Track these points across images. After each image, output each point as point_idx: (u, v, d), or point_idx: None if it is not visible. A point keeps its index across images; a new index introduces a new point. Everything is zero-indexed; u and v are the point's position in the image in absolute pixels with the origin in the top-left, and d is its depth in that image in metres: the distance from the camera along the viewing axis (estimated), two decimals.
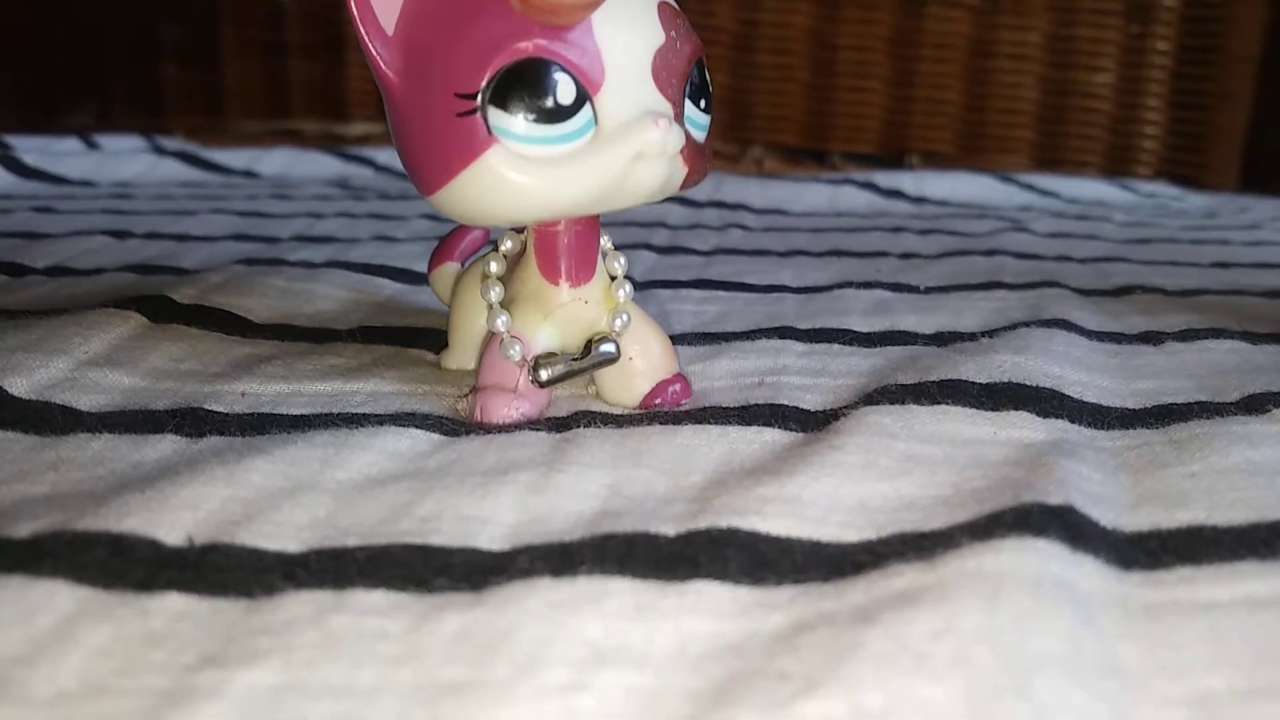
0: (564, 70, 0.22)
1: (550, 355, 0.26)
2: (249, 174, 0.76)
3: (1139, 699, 0.15)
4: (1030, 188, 0.77)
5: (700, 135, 0.24)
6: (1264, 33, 0.82)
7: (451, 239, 0.33)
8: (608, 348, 0.26)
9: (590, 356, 0.26)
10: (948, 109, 0.89)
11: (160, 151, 0.79)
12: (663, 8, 0.23)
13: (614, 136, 0.22)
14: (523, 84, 0.21)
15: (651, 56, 0.23)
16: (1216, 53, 0.84)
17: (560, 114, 0.22)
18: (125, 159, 0.76)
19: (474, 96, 0.21)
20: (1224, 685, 0.16)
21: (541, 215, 0.23)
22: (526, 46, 0.21)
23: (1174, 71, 0.86)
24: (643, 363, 0.26)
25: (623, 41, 0.22)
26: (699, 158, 0.24)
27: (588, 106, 0.22)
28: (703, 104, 0.24)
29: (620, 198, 0.23)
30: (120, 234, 0.50)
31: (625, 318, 0.26)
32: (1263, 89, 0.82)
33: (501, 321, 0.25)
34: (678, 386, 0.27)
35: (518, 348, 0.25)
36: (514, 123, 0.22)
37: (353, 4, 0.22)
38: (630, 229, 0.54)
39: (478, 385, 0.26)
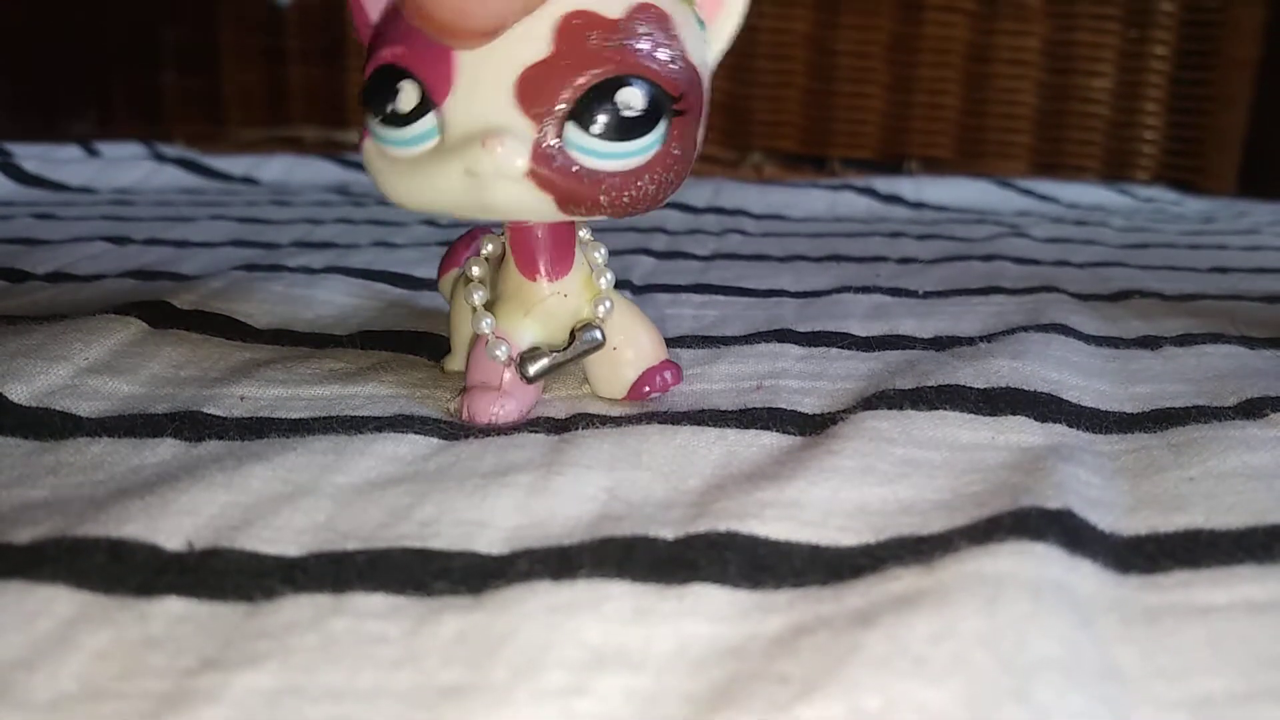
0: (411, 78, 0.22)
1: (534, 350, 0.26)
2: (248, 180, 0.76)
3: (1137, 702, 0.15)
4: (1029, 193, 0.77)
5: (596, 162, 0.22)
6: (1262, 36, 0.82)
7: (458, 246, 0.33)
8: (592, 334, 0.26)
9: (575, 345, 0.26)
10: (946, 114, 0.89)
11: (160, 158, 0.79)
12: (568, 25, 0.22)
13: (450, 149, 0.22)
14: (376, 88, 0.23)
15: (520, 72, 0.22)
16: (1215, 57, 0.84)
17: (402, 119, 0.23)
18: (125, 166, 0.76)
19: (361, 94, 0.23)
20: (1222, 688, 0.16)
21: (411, 208, 0.24)
22: (386, 54, 0.23)
23: (1172, 76, 0.86)
24: (631, 352, 0.27)
25: (487, 51, 0.22)
26: (578, 186, 0.22)
27: (431, 115, 0.22)
28: (597, 129, 0.22)
29: (478, 209, 0.23)
30: (120, 240, 0.50)
31: (608, 304, 0.26)
32: (1261, 93, 0.83)
33: (486, 324, 0.25)
34: (668, 373, 0.27)
35: (503, 348, 0.25)
36: (372, 121, 0.23)
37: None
38: (629, 234, 0.54)
39: (465, 386, 0.26)
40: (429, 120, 0.22)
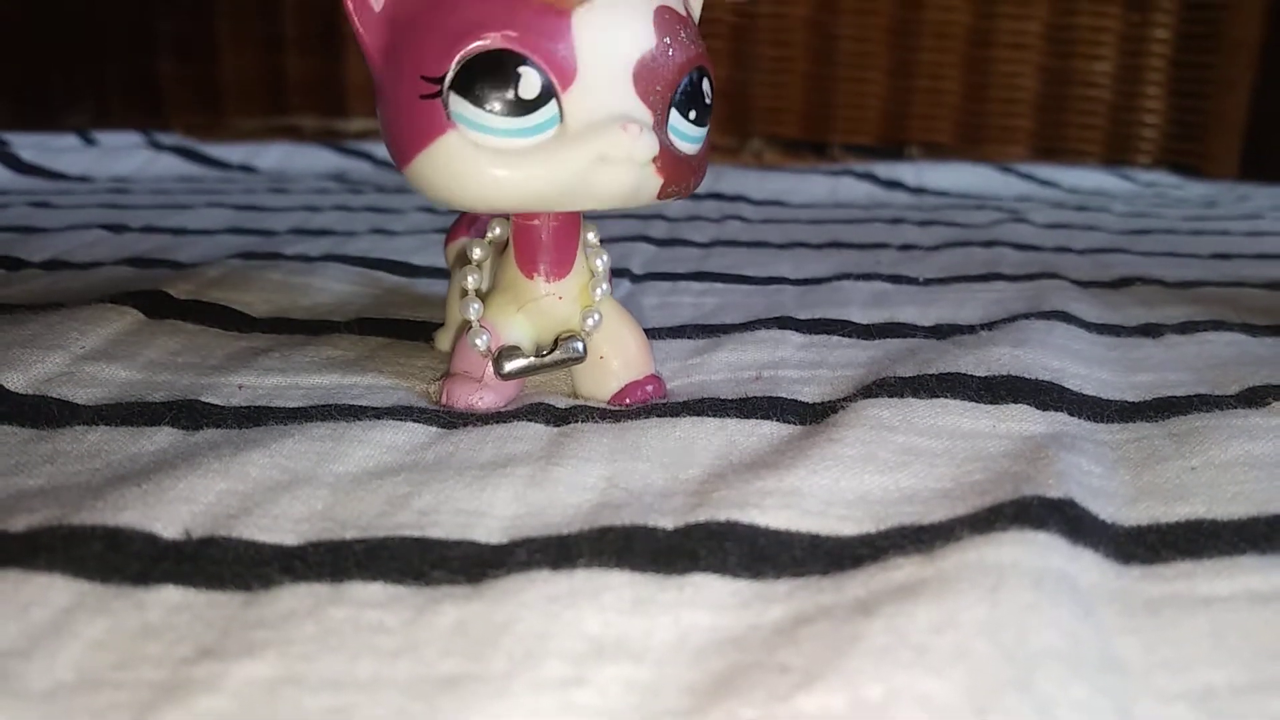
0: (531, 64, 0.21)
1: (514, 348, 0.26)
2: (246, 169, 0.76)
3: (1139, 693, 0.15)
4: (1030, 178, 0.77)
5: (686, 146, 0.24)
6: (1264, 19, 0.82)
7: (468, 214, 0.32)
8: (575, 346, 0.26)
9: (555, 354, 0.26)
10: (947, 99, 0.89)
11: (157, 146, 0.78)
12: (663, 11, 0.23)
13: (579, 136, 0.22)
14: (485, 74, 0.21)
15: (635, 61, 0.22)
16: (1216, 39, 0.83)
17: (521, 107, 0.22)
18: (122, 154, 0.75)
19: (438, 80, 0.22)
20: (1224, 680, 0.16)
21: (499, 205, 0.23)
22: (495, 38, 0.21)
23: (1174, 59, 0.85)
24: (617, 362, 0.26)
25: (604, 41, 0.22)
26: (680, 169, 0.23)
27: (553, 103, 0.22)
28: (693, 115, 0.23)
29: (584, 198, 0.23)
30: (117, 228, 0.49)
31: (596, 317, 0.26)
32: (1263, 75, 0.82)
33: (473, 310, 0.25)
34: (650, 387, 0.27)
35: (484, 337, 0.25)
36: (473, 111, 0.22)
37: None
38: (628, 221, 0.54)
39: (448, 371, 0.26)
40: (550, 109, 0.22)
